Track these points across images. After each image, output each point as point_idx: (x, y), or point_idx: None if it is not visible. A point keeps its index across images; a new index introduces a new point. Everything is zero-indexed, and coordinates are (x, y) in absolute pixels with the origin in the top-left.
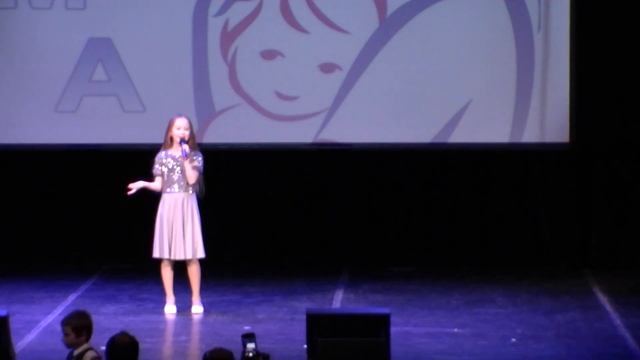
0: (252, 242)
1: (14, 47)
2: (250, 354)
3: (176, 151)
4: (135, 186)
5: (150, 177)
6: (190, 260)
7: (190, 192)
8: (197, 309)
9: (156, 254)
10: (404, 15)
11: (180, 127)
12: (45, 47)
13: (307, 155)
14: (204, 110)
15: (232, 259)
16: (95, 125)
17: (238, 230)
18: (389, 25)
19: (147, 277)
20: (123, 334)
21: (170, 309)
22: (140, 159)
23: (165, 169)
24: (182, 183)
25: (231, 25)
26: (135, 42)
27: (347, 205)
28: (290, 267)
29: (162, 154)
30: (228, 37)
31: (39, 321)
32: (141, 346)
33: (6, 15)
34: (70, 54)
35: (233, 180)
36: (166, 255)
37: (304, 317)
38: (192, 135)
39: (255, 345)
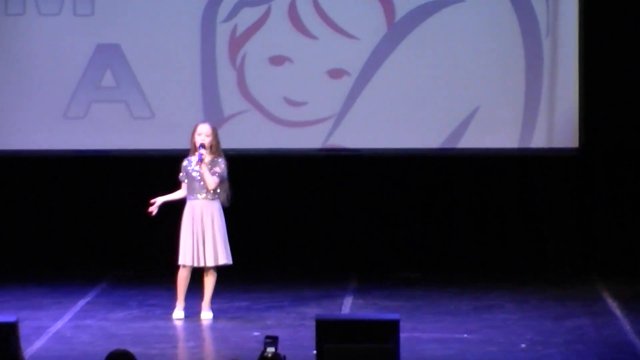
0: (260, 248)
1: (22, 53)
2: (269, 355)
3: (197, 157)
4: (154, 207)
5: (163, 184)
6: (208, 268)
7: (211, 198)
8: (206, 315)
9: (180, 260)
10: (412, 21)
11: (201, 134)
12: (54, 53)
13: (316, 161)
14: (213, 116)
15: (241, 264)
16: (104, 131)
17: (247, 236)
18: (397, 31)
19: (155, 283)
20: (118, 350)
21: (178, 314)
22: (149, 165)
23: (187, 176)
24: (202, 190)
25: (239, 31)
26: (144, 48)
27: (355, 211)
28: (299, 273)
29: (185, 160)
30: (236, 42)
31: (48, 327)
32: (150, 352)
33: (14, 21)
34: (79, 60)
35: (241, 186)
36: (187, 262)
37: (313, 323)
38: (215, 142)
39: (276, 350)
